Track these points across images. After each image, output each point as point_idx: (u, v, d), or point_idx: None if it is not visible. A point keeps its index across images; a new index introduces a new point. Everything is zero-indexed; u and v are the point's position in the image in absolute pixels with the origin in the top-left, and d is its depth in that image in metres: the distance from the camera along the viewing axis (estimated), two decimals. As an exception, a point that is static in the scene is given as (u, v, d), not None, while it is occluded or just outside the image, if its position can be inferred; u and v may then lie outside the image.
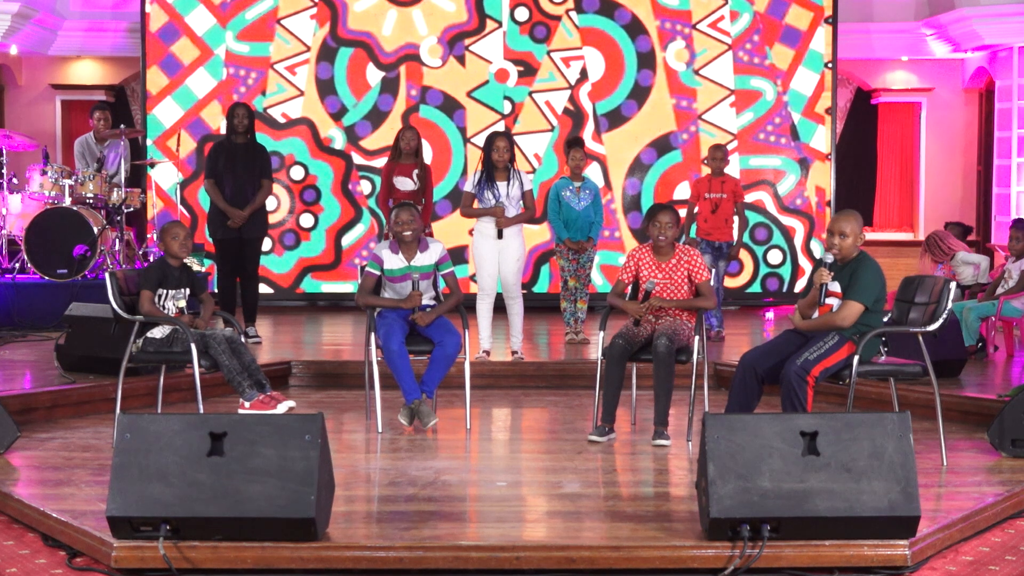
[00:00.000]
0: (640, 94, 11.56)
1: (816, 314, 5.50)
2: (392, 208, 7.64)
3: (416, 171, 8.73)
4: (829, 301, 5.45)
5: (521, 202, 7.80)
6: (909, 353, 5.75)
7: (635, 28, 11.55)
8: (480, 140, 11.27)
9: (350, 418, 6.71)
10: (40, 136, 12.67)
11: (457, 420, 6.39)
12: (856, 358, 5.25)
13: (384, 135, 11.38)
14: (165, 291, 6.04)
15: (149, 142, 11.50)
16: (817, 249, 11.47)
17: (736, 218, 9.10)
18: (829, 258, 5.46)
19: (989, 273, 9.36)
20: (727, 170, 9.28)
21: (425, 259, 6.39)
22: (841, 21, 11.80)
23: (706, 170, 9.37)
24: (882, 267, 5.58)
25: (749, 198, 11.39)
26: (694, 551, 4.16)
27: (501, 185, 7.73)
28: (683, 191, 11.25)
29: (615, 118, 11.57)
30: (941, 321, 5.39)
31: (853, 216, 5.48)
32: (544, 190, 10.33)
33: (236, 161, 8.42)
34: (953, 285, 5.44)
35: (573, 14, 11.54)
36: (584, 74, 11.54)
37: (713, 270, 8.71)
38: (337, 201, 11.59)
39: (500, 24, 11.54)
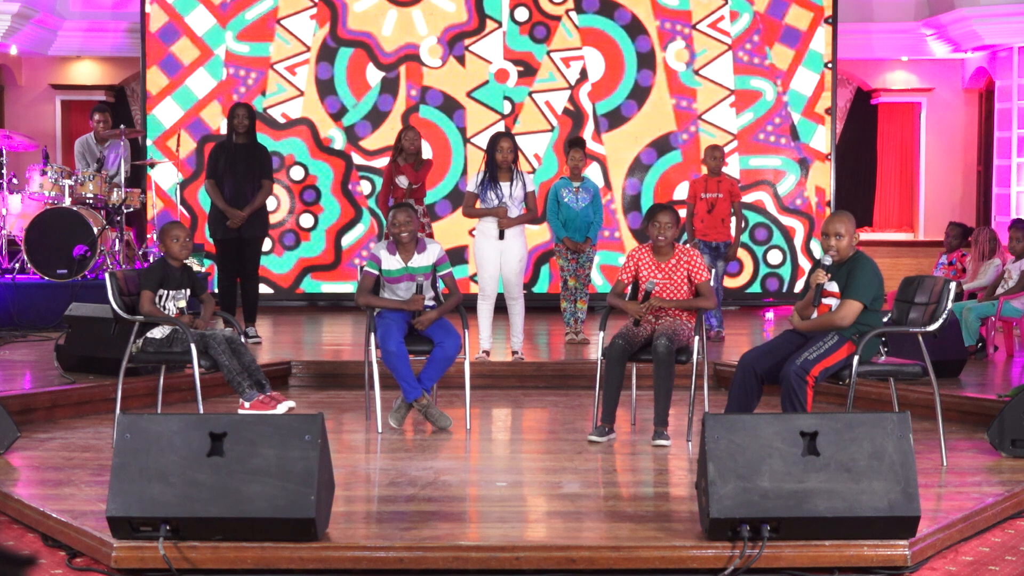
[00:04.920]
0: (640, 94, 11.56)
1: (814, 315, 5.50)
2: (390, 208, 7.65)
3: (417, 168, 8.75)
4: (827, 301, 5.46)
5: (524, 203, 7.80)
6: (909, 353, 5.75)
7: (635, 28, 11.56)
8: (480, 140, 11.28)
9: (350, 418, 6.71)
10: (40, 136, 12.67)
11: (457, 420, 6.39)
12: (856, 358, 5.25)
13: (384, 135, 11.38)
14: (165, 291, 6.04)
15: (149, 142, 11.50)
16: (817, 249, 11.44)
17: (733, 218, 9.10)
18: (827, 260, 5.47)
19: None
20: (725, 170, 9.27)
21: (423, 260, 6.38)
22: (841, 21, 11.80)
23: (705, 170, 9.38)
24: (882, 267, 5.59)
25: (749, 198, 11.40)
26: (694, 551, 4.16)
27: (504, 186, 7.73)
28: (683, 191, 11.23)
29: (615, 118, 11.57)
30: (941, 321, 5.39)
31: (846, 216, 5.49)
32: (544, 190, 10.33)
33: (237, 161, 8.42)
34: (953, 285, 5.44)
35: (573, 14, 11.53)
36: (584, 74, 11.53)
37: (712, 270, 8.71)
38: (337, 201, 11.59)
39: (500, 24, 11.54)
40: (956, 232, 9.46)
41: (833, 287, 5.45)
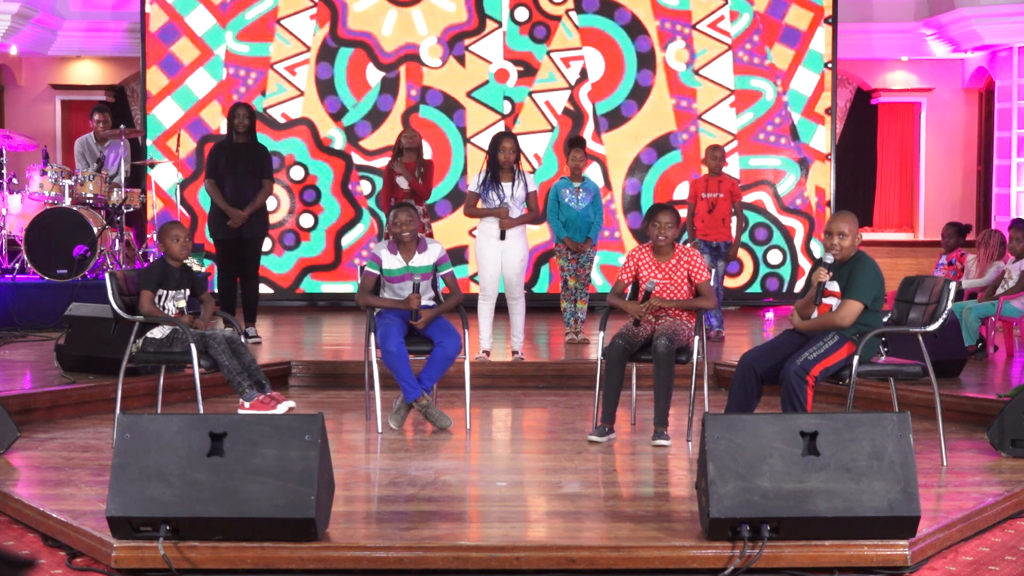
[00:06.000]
0: (640, 94, 11.56)
1: (815, 314, 5.50)
2: (391, 208, 7.66)
3: (419, 169, 8.75)
4: (828, 301, 5.46)
5: (525, 203, 7.80)
6: (909, 353, 5.75)
7: (635, 28, 11.56)
8: (480, 140, 11.29)
9: (350, 418, 6.71)
10: (40, 136, 12.67)
11: (457, 420, 6.39)
12: (856, 358, 5.25)
13: (384, 135, 11.39)
14: (165, 291, 6.04)
15: (149, 142, 11.51)
16: (817, 249, 11.47)
17: (734, 218, 9.10)
18: (829, 259, 5.47)
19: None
20: (725, 170, 9.27)
21: (423, 260, 6.38)
22: (841, 21, 11.80)
23: (705, 170, 9.40)
24: (882, 267, 5.59)
25: (749, 198, 11.40)
26: (694, 551, 4.16)
27: (506, 186, 7.73)
28: (683, 191, 11.24)
29: (615, 118, 11.57)
30: (941, 321, 5.39)
31: (850, 216, 5.50)
32: (544, 190, 10.33)
33: (237, 161, 8.42)
34: (953, 285, 5.44)
35: (573, 14, 11.54)
36: (584, 74, 11.54)
37: (712, 270, 8.70)
38: (337, 201, 11.59)
39: (500, 24, 11.54)
40: (952, 232, 9.45)
41: (834, 287, 5.45)
